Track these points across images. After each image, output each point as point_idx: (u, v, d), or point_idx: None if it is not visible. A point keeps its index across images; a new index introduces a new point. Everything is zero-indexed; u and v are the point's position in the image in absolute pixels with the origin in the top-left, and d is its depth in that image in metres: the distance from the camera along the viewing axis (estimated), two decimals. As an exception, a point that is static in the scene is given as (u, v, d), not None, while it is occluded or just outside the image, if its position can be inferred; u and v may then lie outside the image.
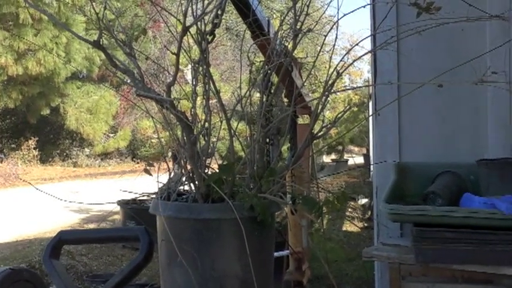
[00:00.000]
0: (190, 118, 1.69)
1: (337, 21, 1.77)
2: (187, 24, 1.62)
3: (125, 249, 7.50)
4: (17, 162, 19.82)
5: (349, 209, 10.41)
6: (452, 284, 2.58)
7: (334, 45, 1.95)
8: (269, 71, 1.93)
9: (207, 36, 1.69)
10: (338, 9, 1.76)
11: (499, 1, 3.05)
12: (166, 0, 19.03)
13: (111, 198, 5.11)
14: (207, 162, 1.70)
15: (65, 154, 23.69)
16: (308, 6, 1.77)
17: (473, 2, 1.96)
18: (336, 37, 1.79)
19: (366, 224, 8.51)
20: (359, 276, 5.65)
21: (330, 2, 1.82)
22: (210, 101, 1.71)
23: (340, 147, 20.99)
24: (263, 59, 1.88)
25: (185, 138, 1.66)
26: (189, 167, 1.68)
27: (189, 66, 1.76)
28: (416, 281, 2.62)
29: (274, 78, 2.07)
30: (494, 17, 1.90)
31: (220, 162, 1.69)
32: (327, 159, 21.04)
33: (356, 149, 24.76)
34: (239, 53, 2.05)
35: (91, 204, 6.06)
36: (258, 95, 1.94)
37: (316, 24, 1.88)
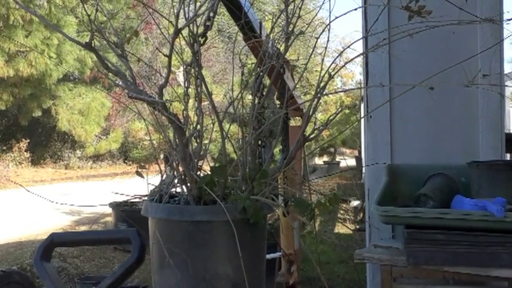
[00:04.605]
0: (182, 120, 1.68)
1: (329, 24, 1.78)
2: (180, 26, 1.62)
3: (117, 251, 7.49)
4: (8, 164, 19.72)
5: (341, 211, 10.43)
6: (443, 286, 2.60)
7: (326, 48, 1.95)
8: (261, 73, 1.93)
9: (199, 39, 1.69)
10: (330, 12, 1.77)
11: (489, 4, 3.08)
12: (158, 2, 19.01)
13: (103, 200, 5.09)
14: (199, 164, 1.70)
15: (56, 156, 23.58)
16: (300, 9, 1.77)
17: (464, 5, 1.97)
18: (328, 39, 1.79)
19: (357, 226, 8.53)
20: (351, 278, 5.66)
21: (321, 5, 1.83)
22: (202, 103, 1.71)
23: (332, 149, 21.05)
24: (255, 61, 1.88)
25: (177, 140, 1.66)
26: (181, 169, 1.68)
27: (181, 68, 1.75)
28: (407, 283, 2.63)
29: (266, 80, 2.07)
30: (486, 21, 1.91)
31: (212, 164, 1.68)
32: (319, 161, 21.10)
33: (348, 151, 24.82)
34: (231, 55, 2.05)
35: (83, 206, 6.04)
36: (250, 97, 1.94)
37: (308, 27, 1.89)
